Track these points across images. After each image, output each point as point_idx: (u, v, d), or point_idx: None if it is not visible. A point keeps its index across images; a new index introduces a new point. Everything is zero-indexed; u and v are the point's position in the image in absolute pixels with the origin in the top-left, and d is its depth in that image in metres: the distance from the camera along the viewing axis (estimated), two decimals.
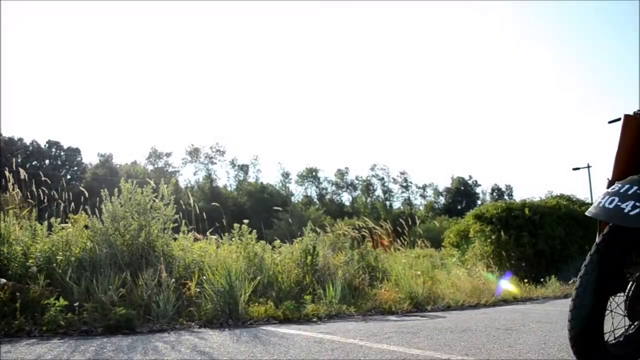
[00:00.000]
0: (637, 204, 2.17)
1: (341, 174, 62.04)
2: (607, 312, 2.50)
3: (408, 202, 64.11)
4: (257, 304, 5.16)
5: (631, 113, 2.58)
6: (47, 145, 49.59)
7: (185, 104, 78.28)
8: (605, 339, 2.46)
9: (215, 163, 57.04)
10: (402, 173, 63.42)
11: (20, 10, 62.67)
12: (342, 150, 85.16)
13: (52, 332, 3.81)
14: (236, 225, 6.51)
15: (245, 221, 6.53)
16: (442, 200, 64.28)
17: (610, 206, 2.23)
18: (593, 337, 2.27)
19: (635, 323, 2.59)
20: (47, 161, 49.26)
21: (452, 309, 6.29)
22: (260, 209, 47.20)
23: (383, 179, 63.24)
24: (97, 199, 5.95)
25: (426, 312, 5.93)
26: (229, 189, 56.32)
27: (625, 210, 2.17)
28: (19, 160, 45.73)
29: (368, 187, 62.69)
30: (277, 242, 7.10)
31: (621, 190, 2.27)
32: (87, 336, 3.74)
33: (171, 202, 6.07)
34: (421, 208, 62.99)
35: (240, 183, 56.71)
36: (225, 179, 62.54)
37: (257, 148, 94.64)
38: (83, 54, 73.84)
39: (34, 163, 47.87)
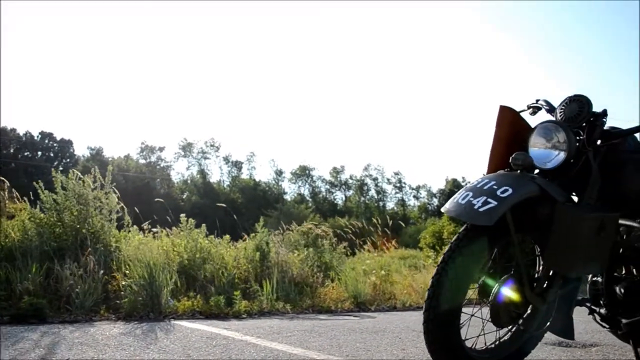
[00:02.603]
0: (489, 199, 2.02)
1: (336, 172, 61.89)
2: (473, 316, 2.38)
3: (401, 202, 63.91)
4: (186, 298, 5.05)
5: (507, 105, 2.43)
6: (39, 136, 49.42)
7: (179, 100, 78.21)
8: (471, 345, 2.34)
9: (208, 158, 56.90)
10: (397, 173, 63.24)
11: (17, 6, 62.53)
12: (337, 149, 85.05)
13: None
14: (184, 218, 6.42)
15: (182, 215, 6.41)
16: (435, 202, 64.04)
17: (463, 202, 2.08)
18: (449, 343, 2.12)
19: (512, 329, 2.46)
20: (39, 152, 49.10)
21: (397, 309, 6.19)
22: (252, 206, 47.08)
23: (377, 179, 63.03)
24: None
25: (368, 311, 5.83)
26: (222, 185, 56.14)
27: (476, 207, 2.02)
28: (12, 151, 45.64)
29: (361, 187, 62.53)
30: (227, 237, 6.97)
31: (478, 185, 2.13)
32: None
33: (111, 192, 5.98)
34: (415, 209, 62.73)
35: (234, 179, 56.54)
36: (219, 174, 62.38)
37: (253, 145, 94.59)
38: (78, 48, 73.77)
39: (26, 154, 47.72)
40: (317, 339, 3.41)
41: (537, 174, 2.30)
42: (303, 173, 60.93)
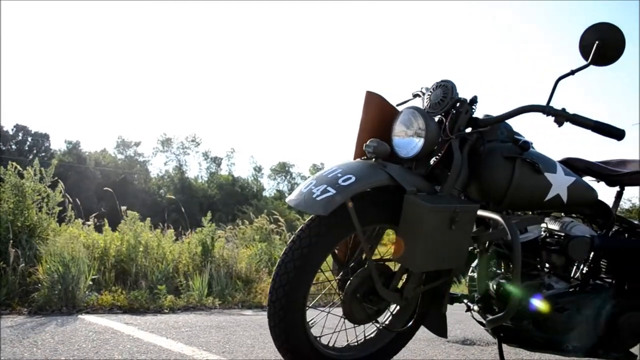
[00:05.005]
0: (329, 188, 1.91)
1: (316, 169, 61.64)
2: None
3: None
4: (107, 292, 4.92)
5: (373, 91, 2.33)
6: (14, 129, 48.62)
7: (161, 95, 77.65)
8: (328, 342, 2.25)
9: (188, 154, 56.44)
10: None
11: None
12: (317, 146, 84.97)
13: None
14: (130, 212, 6.31)
15: (124, 207, 6.30)
16: None
17: (305, 191, 1.97)
18: (294, 339, 2.03)
19: (380, 326, 2.37)
20: (13, 146, 48.23)
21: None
22: (230, 202, 46.77)
23: None
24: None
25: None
26: (200, 180, 55.67)
27: (314, 196, 1.91)
28: None
29: None
30: (171, 231, 6.87)
31: (324, 174, 2.03)
32: None
33: (59, 185, 5.91)
34: None
35: (212, 175, 56.10)
36: (197, 170, 61.85)
37: (233, 141, 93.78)
38: (56, 41, 72.81)
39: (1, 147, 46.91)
40: (211, 336, 3.31)
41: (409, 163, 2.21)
42: (282, 170, 60.73)
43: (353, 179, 1.92)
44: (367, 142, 2.05)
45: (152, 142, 62.20)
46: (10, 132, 48.30)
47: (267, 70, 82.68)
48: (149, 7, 76.01)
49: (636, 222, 2.65)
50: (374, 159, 2.06)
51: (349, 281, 2.11)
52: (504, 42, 79.47)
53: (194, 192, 49.64)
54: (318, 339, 2.17)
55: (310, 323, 2.17)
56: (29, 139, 49.70)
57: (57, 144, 63.95)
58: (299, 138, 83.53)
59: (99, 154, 51.30)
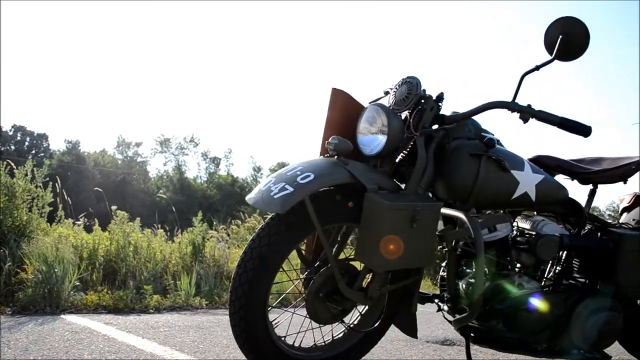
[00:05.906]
0: (287, 186, 1.89)
1: None
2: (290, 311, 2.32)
3: None
4: (93, 291, 4.91)
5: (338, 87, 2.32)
6: (12, 130, 48.59)
7: (157, 96, 77.71)
8: (293, 342, 2.24)
9: (187, 154, 56.37)
10: None
11: None
12: (316, 146, 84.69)
13: None
14: (120, 212, 6.30)
15: (114, 207, 6.30)
16: None
17: (264, 188, 1.96)
18: (256, 337, 2.00)
19: (346, 326, 2.35)
20: (12, 147, 48.15)
21: None
22: (230, 202, 46.70)
23: None
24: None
25: (289, 306, 5.70)
26: (199, 181, 55.56)
27: (272, 193, 1.90)
28: None
29: None
30: (161, 231, 6.87)
31: (284, 171, 2.02)
32: None
33: (50, 185, 5.93)
34: None
35: (211, 175, 55.99)
36: (196, 170, 61.79)
37: (232, 141, 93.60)
38: (56, 41, 72.86)
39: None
40: (188, 335, 3.29)
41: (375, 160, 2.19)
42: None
43: (312, 176, 1.91)
44: (329, 140, 2.04)
45: (150, 142, 62.08)
46: (9, 133, 48.26)
47: (266, 70, 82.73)
48: (148, 8, 76.06)
49: (609, 220, 2.64)
50: (335, 157, 2.04)
51: (312, 280, 2.09)
52: (504, 42, 79.22)
53: (193, 192, 49.58)
54: (283, 338, 2.15)
55: (274, 323, 2.15)
56: (28, 139, 49.69)
57: (57, 144, 64.04)
58: (299, 138, 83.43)
59: (98, 154, 51.28)
